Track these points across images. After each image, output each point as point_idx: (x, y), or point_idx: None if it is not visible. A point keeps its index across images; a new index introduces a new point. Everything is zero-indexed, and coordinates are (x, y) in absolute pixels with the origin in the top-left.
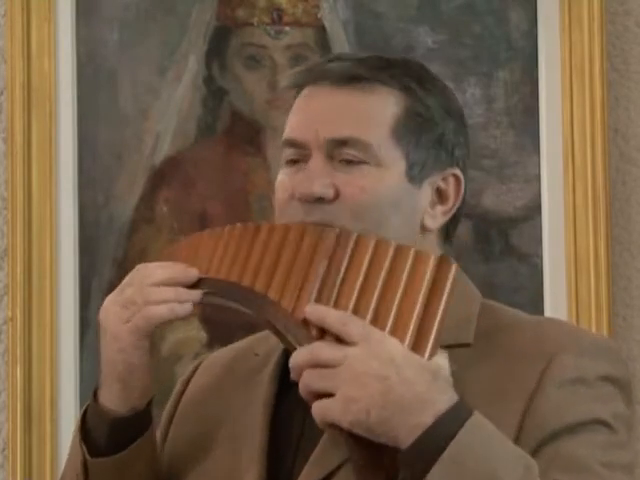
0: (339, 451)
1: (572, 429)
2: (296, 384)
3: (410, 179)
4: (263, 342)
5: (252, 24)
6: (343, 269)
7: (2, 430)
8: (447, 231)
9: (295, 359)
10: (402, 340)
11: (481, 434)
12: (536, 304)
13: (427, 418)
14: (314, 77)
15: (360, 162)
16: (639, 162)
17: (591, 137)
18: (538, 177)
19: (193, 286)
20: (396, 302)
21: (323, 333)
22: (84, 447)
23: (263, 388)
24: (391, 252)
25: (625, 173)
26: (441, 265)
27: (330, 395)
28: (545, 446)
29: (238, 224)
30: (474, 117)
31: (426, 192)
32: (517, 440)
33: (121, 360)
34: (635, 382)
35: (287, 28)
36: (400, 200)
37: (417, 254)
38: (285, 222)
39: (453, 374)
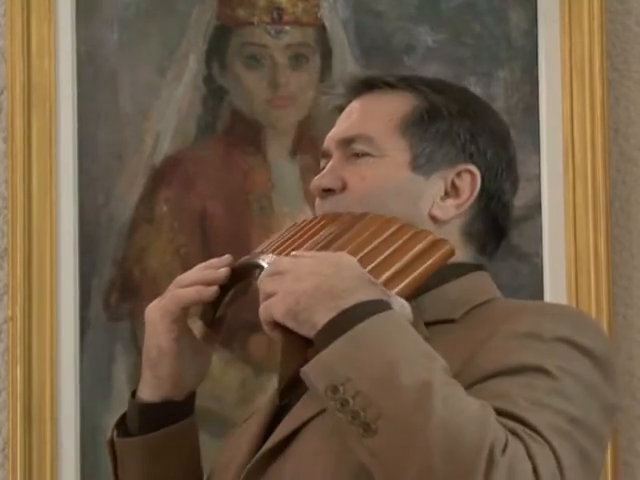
0: (304, 412)
1: (511, 370)
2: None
3: (414, 168)
4: None
5: (252, 23)
6: (342, 229)
7: (2, 430)
8: (470, 232)
9: (262, 275)
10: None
11: (396, 325)
12: None
13: (347, 302)
14: (345, 95)
15: (365, 155)
16: (639, 161)
17: (591, 137)
18: (538, 176)
19: None
20: (380, 258)
21: None
22: (114, 430)
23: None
24: (395, 226)
25: (625, 172)
26: (437, 241)
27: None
28: (480, 384)
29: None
30: None
31: (436, 184)
32: None
33: (153, 345)
34: (635, 381)
35: (287, 27)
36: (401, 188)
37: (418, 230)
38: None
39: (435, 347)
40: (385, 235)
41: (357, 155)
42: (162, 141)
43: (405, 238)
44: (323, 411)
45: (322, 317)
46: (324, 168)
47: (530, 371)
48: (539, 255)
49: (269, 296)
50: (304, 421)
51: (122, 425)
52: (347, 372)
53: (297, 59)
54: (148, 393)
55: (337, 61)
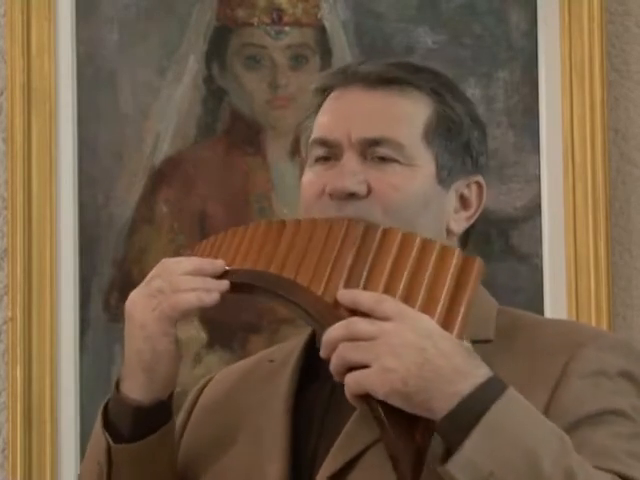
0: (363, 437)
1: (594, 417)
2: (317, 378)
3: (440, 181)
4: (277, 351)
5: (252, 24)
6: (371, 258)
7: (2, 430)
8: (464, 238)
9: (329, 334)
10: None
11: (518, 406)
12: (536, 304)
13: (465, 387)
14: (345, 79)
15: (392, 160)
16: (639, 162)
17: (591, 137)
18: (538, 177)
19: (220, 278)
20: (423, 290)
21: (354, 315)
22: (107, 435)
23: (283, 384)
24: (417, 244)
25: (625, 173)
26: (467, 258)
27: (365, 367)
28: (569, 433)
29: (262, 221)
30: None
31: (452, 197)
32: None
33: (148, 349)
34: None
35: (287, 28)
36: (430, 200)
37: (443, 247)
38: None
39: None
40: (412, 258)
41: (382, 159)
42: (162, 141)
43: (435, 262)
44: None
45: (442, 404)
46: (324, 158)
47: (611, 416)
48: (539, 256)
49: (356, 365)
50: (367, 445)
51: (109, 427)
52: (489, 466)
53: (297, 60)
54: (142, 395)
55: (337, 62)
